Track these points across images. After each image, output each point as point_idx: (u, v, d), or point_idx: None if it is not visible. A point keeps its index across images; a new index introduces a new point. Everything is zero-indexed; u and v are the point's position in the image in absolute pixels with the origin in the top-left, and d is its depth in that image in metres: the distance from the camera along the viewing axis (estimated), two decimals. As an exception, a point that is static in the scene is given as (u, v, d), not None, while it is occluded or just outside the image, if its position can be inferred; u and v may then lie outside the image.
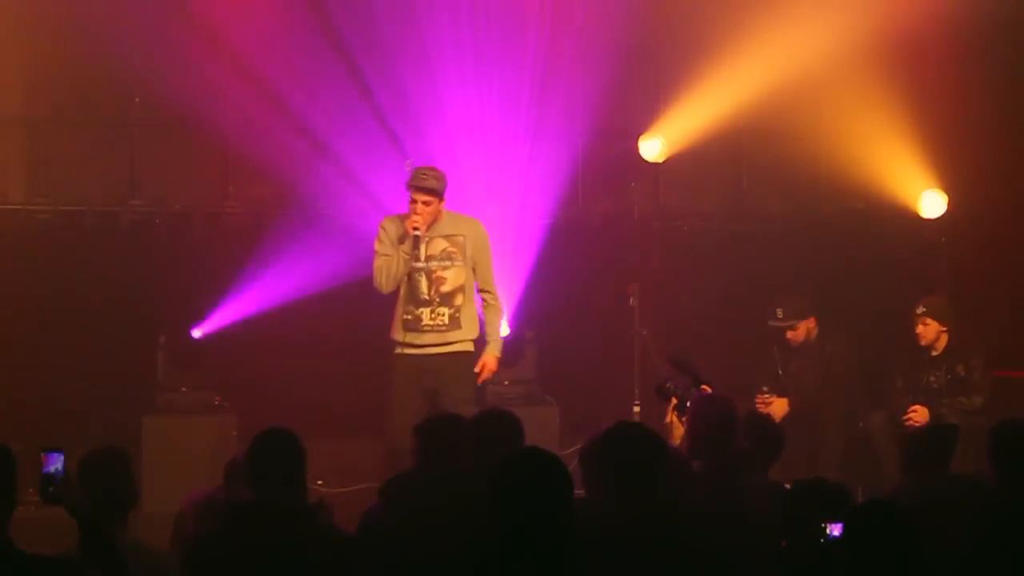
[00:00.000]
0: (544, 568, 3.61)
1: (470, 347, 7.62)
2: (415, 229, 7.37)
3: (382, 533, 4.75)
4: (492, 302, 7.67)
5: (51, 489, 3.91)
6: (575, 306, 9.08)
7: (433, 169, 7.46)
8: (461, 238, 7.54)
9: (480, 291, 7.63)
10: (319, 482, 8.25)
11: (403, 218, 7.55)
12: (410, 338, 7.48)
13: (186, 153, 9.09)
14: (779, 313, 8.55)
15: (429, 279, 7.50)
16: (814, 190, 9.68)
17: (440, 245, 7.50)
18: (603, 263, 9.14)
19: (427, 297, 7.49)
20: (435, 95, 9.11)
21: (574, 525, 3.69)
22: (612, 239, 9.32)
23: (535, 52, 9.08)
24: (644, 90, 9.36)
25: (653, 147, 9.02)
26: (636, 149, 9.06)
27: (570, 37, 9.06)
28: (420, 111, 9.10)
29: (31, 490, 3.99)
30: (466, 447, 5.23)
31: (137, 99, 8.94)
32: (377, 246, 7.54)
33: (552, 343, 8.96)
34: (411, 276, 7.48)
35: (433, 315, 7.50)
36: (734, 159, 9.65)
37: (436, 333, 7.48)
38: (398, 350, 7.55)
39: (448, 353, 7.51)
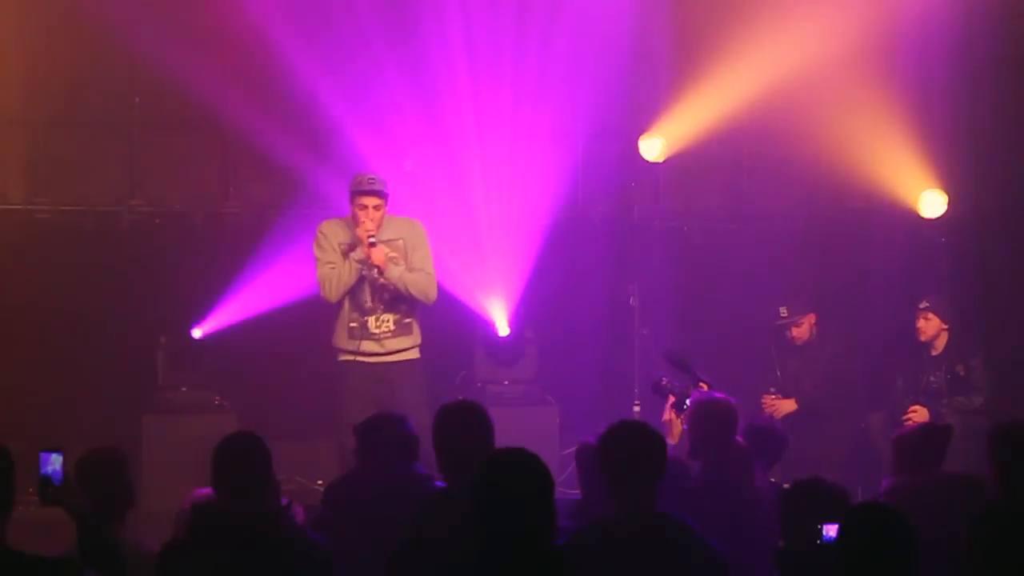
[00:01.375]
0: (526, 570, 3.60)
1: (418, 354, 7.55)
2: (370, 236, 7.26)
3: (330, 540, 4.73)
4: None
5: (50, 490, 3.91)
6: (575, 306, 9.08)
7: (376, 175, 7.35)
8: (401, 241, 7.42)
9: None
10: (319, 482, 8.26)
11: (344, 223, 7.41)
12: (359, 346, 7.37)
13: (186, 153, 9.09)
14: (783, 312, 8.60)
15: (372, 287, 7.36)
16: (814, 190, 9.67)
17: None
18: (603, 263, 9.14)
19: (370, 305, 7.38)
20: (434, 95, 9.11)
21: (555, 526, 3.67)
22: (612, 239, 9.31)
23: (535, 51, 9.08)
24: (644, 90, 9.35)
25: (653, 147, 9.01)
26: (636, 149, 9.06)
27: (570, 37, 9.05)
28: (420, 111, 9.10)
29: (31, 490, 3.99)
30: (411, 446, 5.23)
31: (137, 99, 8.94)
32: (318, 253, 7.38)
33: (552, 343, 8.96)
34: (353, 285, 7.37)
35: (378, 322, 7.40)
36: (734, 159, 9.64)
37: (385, 340, 7.39)
38: (345, 357, 7.43)
39: (397, 362, 7.41)
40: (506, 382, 8.80)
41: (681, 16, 9.18)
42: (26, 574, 3.66)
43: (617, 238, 9.30)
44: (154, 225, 8.94)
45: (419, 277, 7.41)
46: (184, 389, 8.53)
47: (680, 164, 9.22)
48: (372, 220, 7.26)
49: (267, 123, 8.94)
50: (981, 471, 5.25)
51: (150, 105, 8.93)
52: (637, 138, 9.06)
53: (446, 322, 7.99)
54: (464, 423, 4.90)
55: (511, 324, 8.85)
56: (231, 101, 8.90)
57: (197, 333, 8.56)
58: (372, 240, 7.23)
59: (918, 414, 8.19)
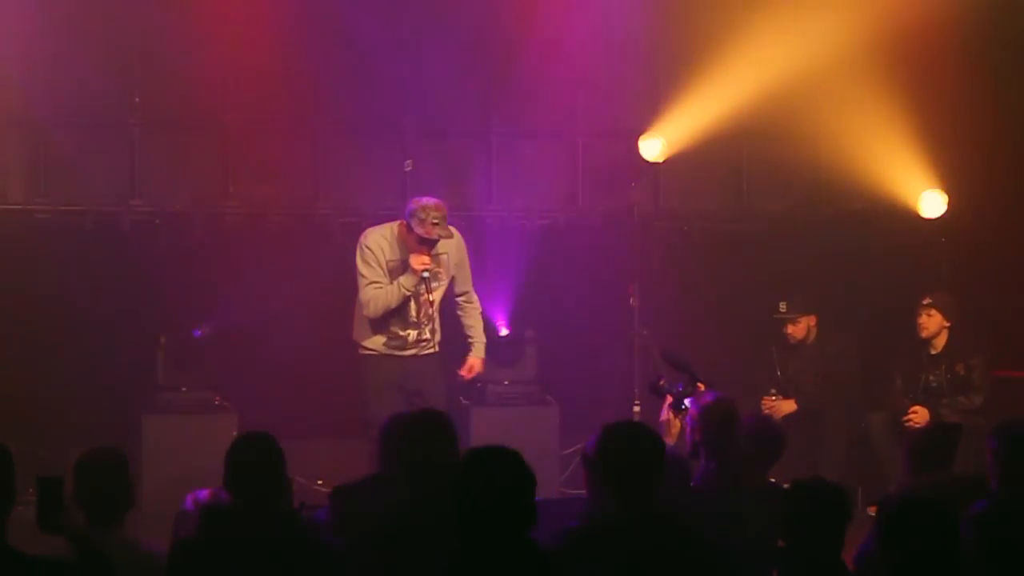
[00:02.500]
0: (508, 565, 3.60)
1: (438, 348, 7.65)
2: (424, 269, 7.27)
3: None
4: (473, 303, 7.74)
5: (49, 517, 3.91)
6: (575, 306, 9.08)
7: (442, 210, 7.26)
8: (445, 256, 7.47)
9: (460, 295, 7.69)
10: (319, 482, 8.25)
11: (391, 235, 7.38)
12: (392, 352, 7.46)
13: (186, 153, 9.08)
14: (782, 307, 8.64)
15: (417, 303, 7.43)
16: (814, 190, 9.67)
17: None
18: (603, 263, 9.13)
19: (415, 319, 7.45)
20: (435, 94, 9.10)
21: (535, 524, 3.67)
22: (612, 239, 9.31)
23: (535, 51, 9.07)
24: (644, 90, 9.35)
25: (653, 147, 9.01)
26: (636, 149, 9.05)
27: (570, 37, 9.05)
28: (420, 110, 9.09)
29: (31, 490, 3.98)
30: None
31: (137, 99, 8.93)
32: (364, 270, 7.35)
33: (552, 343, 8.96)
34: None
35: (419, 334, 7.47)
36: (734, 159, 9.64)
37: (419, 348, 7.49)
38: (367, 352, 7.50)
39: (424, 355, 7.52)
40: (506, 382, 8.79)
41: (681, 16, 9.17)
42: (26, 574, 3.66)
43: (617, 238, 9.30)
44: (154, 225, 8.92)
45: (478, 317, 7.76)
46: (184, 389, 8.52)
47: (680, 164, 9.21)
48: (429, 256, 7.30)
49: (267, 123, 8.94)
50: (981, 471, 5.25)
51: (150, 105, 8.92)
52: (637, 138, 9.06)
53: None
54: (431, 433, 4.91)
55: (511, 324, 8.84)
56: (232, 101, 8.90)
57: (197, 333, 8.55)
58: (426, 275, 7.26)
59: (918, 415, 8.20)
